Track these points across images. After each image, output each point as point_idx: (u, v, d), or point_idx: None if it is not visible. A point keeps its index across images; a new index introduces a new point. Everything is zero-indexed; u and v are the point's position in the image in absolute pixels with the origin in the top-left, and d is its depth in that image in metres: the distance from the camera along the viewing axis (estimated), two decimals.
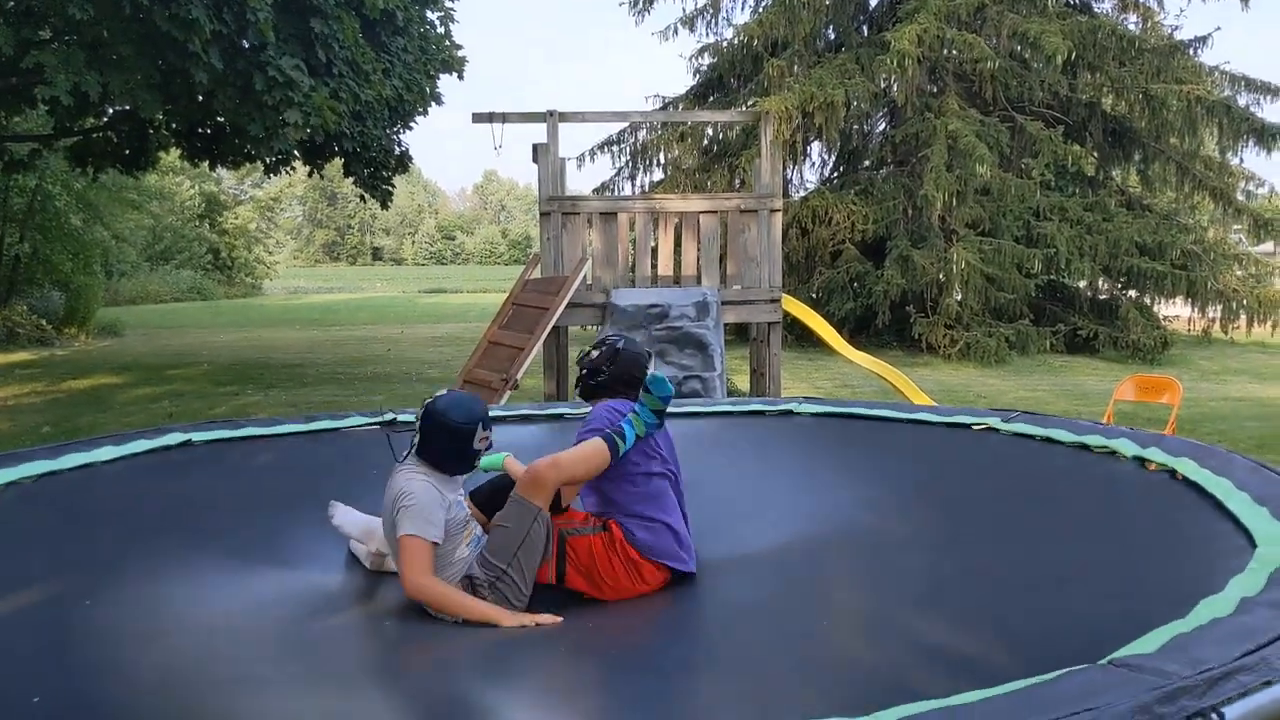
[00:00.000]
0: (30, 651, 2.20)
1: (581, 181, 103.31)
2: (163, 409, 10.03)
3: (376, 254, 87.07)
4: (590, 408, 3.34)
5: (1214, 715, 1.57)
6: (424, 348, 17.04)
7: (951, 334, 15.36)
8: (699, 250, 8.24)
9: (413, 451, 2.97)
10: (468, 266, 75.10)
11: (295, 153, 11.08)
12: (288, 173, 11.84)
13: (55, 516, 3.19)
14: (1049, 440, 3.92)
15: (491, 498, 3.21)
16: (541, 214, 8.12)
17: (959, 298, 15.61)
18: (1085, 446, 3.71)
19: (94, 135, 11.34)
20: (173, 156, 13.82)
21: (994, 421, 4.27)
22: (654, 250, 8.50)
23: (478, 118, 8.58)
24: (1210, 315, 17.01)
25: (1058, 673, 1.75)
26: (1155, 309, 17.36)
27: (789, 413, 5.00)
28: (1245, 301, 16.56)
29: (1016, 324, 15.69)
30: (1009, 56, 16.68)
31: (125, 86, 7.82)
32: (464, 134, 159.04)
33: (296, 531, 3.45)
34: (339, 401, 10.42)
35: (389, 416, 4.89)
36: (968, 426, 4.37)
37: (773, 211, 8.09)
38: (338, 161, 11.73)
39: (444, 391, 3.07)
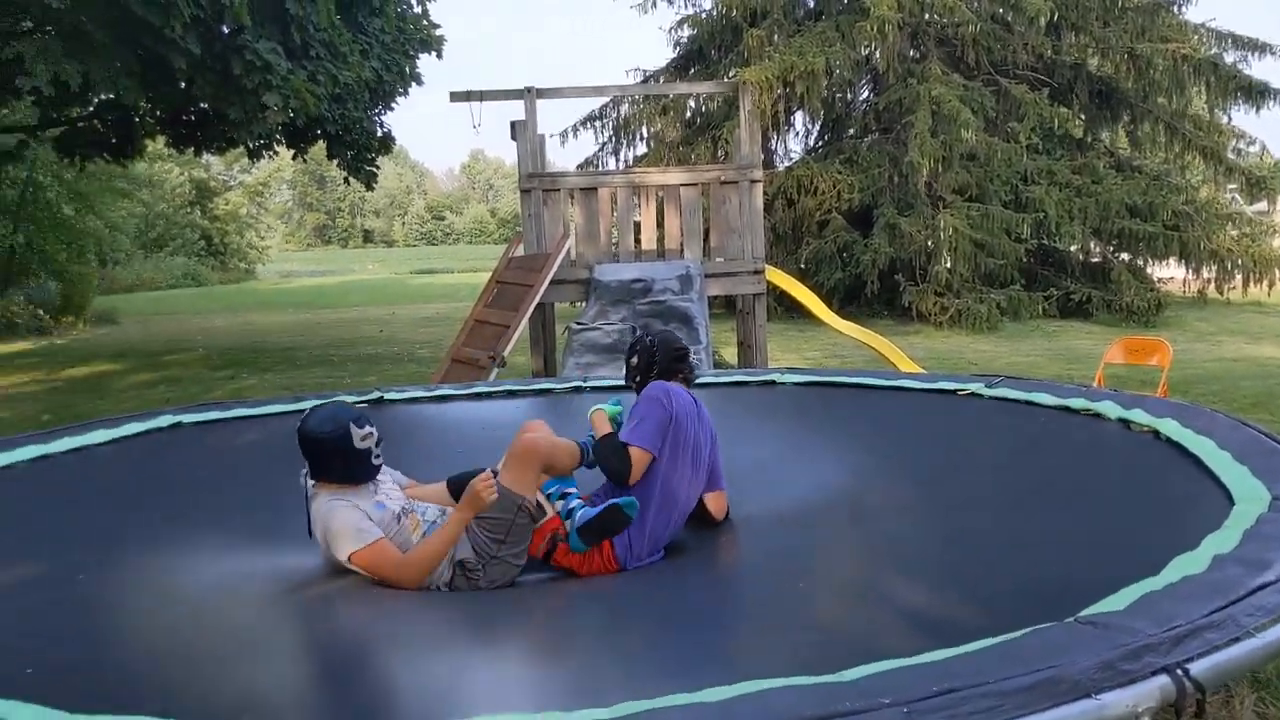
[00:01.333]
0: (23, 625, 2.32)
1: (565, 158, 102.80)
2: (160, 394, 10.13)
3: (367, 236, 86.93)
4: None
5: (1179, 671, 1.60)
6: (414, 328, 17.13)
7: (942, 301, 15.43)
8: (681, 223, 8.32)
9: (308, 479, 2.99)
10: (457, 246, 75.09)
11: (277, 136, 11.14)
12: (270, 156, 11.90)
13: (48, 498, 3.30)
14: (1032, 404, 3.99)
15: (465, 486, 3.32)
16: (522, 191, 8.19)
17: (948, 265, 15.66)
18: (1069, 409, 3.76)
19: (80, 125, 11.37)
20: (159, 144, 13.84)
21: (977, 387, 4.36)
22: (636, 225, 8.59)
23: (455, 97, 8.63)
24: (1205, 276, 17.00)
25: (1025, 630, 1.79)
26: (1149, 271, 17.40)
27: (771, 383, 5.10)
28: (1240, 261, 16.53)
29: (1008, 290, 15.72)
30: (990, 19, 16.68)
31: (105, 74, 7.86)
32: (448, 114, 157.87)
33: (283, 505, 3.56)
34: (332, 382, 10.54)
35: (376, 395, 5.01)
36: (951, 392, 4.46)
37: (753, 182, 8.17)
38: (321, 145, 11.78)
39: (307, 411, 3.04)
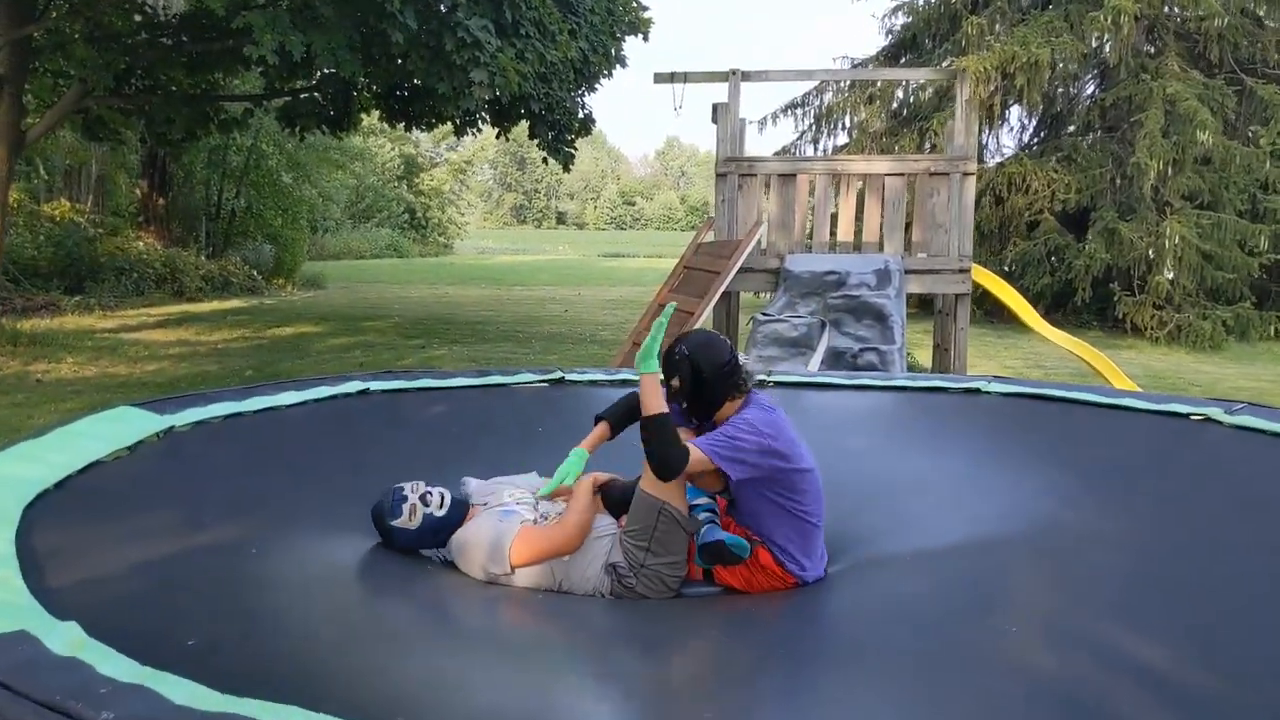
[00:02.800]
0: (191, 593, 2.27)
1: (762, 145, 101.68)
2: (354, 358, 10.53)
3: (560, 218, 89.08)
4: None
5: None
6: (599, 310, 17.24)
7: (1160, 315, 14.24)
8: (882, 215, 7.88)
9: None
10: (646, 232, 75.80)
11: (482, 114, 11.32)
12: (474, 134, 12.12)
13: (236, 460, 3.31)
14: None
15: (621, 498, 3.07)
16: (718, 175, 7.96)
17: (1170, 276, 14.39)
18: None
19: (301, 97, 11.94)
20: (373, 118, 14.42)
21: (1214, 412, 3.82)
22: (833, 216, 8.20)
23: (659, 78, 8.48)
24: None
25: None
26: None
27: (975, 391, 4.66)
28: None
29: (1236, 306, 14.37)
30: (1239, 13, 15.15)
31: (327, 47, 8.14)
32: (646, 98, 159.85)
33: (457, 482, 3.48)
34: (516, 358, 10.67)
35: (558, 374, 4.90)
36: (1183, 416, 3.94)
37: (965, 175, 7.64)
38: (524, 125, 11.94)
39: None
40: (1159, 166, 14.08)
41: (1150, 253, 14.41)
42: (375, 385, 4.35)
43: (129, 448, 3.05)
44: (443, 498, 2.89)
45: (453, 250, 42.41)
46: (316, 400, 4.04)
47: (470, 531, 2.85)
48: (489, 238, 58.26)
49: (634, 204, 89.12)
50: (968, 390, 4.70)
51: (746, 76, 8.24)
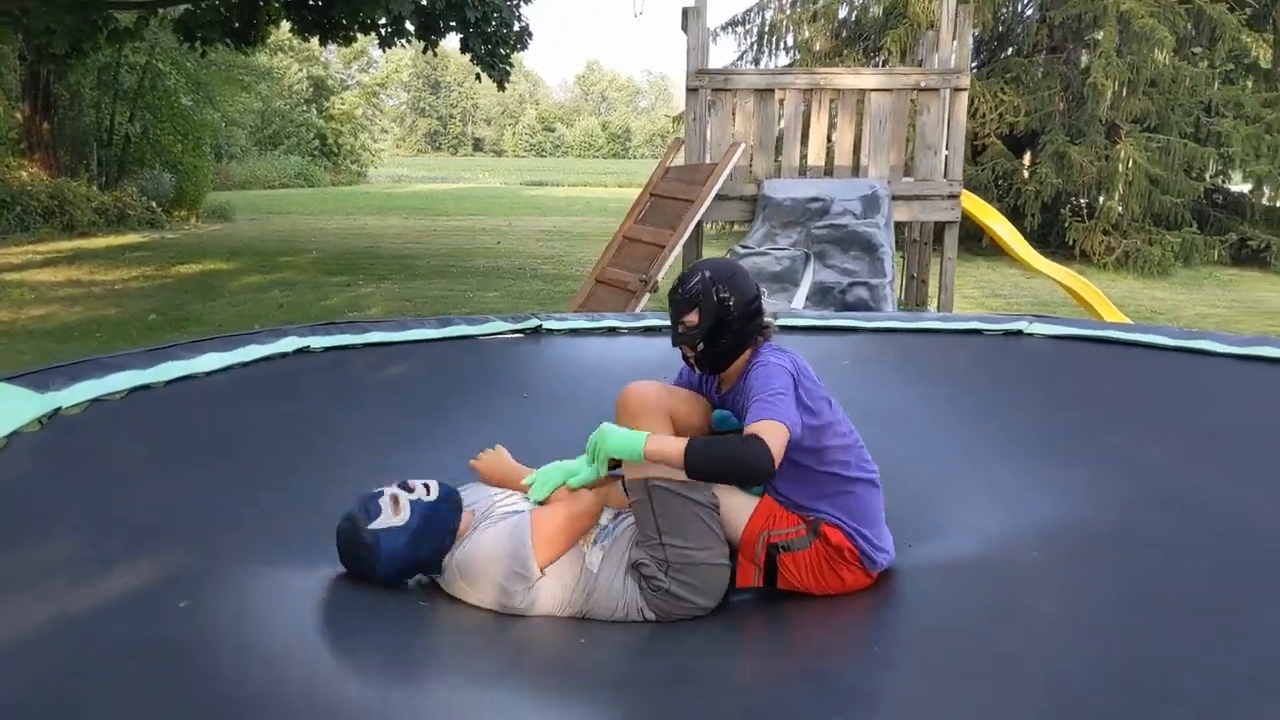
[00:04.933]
0: (90, 679, 1.49)
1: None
2: (273, 299, 9.54)
3: (477, 144, 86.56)
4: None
5: None
6: (533, 240, 16.33)
7: (1109, 240, 13.94)
8: (866, 135, 7.16)
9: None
10: (567, 159, 74.09)
11: (409, 25, 10.25)
12: (404, 45, 11.01)
13: (142, 449, 2.51)
14: None
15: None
16: (688, 90, 7.14)
17: (1120, 201, 14.09)
18: None
19: (202, 4, 10.68)
20: (282, 32, 13.13)
21: None
22: (803, 135, 7.47)
23: None
24: None
25: None
26: None
27: (1018, 333, 4.04)
28: None
29: (1182, 231, 14.15)
30: None
31: None
32: (568, 18, 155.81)
33: (419, 471, 2.71)
34: (455, 297, 9.79)
35: (534, 323, 4.14)
36: (1271, 361, 3.39)
37: (957, 90, 6.96)
38: (446, 46, 10.89)
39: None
40: (1115, 87, 13.65)
41: (1100, 177, 14.07)
42: (316, 341, 3.53)
43: None
44: (427, 486, 2.18)
45: (366, 179, 40.51)
46: (245, 364, 3.22)
47: (475, 545, 2.14)
48: (404, 165, 56.00)
49: (554, 130, 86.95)
50: (1009, 333, 4.08)
51: None
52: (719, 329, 2.25)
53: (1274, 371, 3.34)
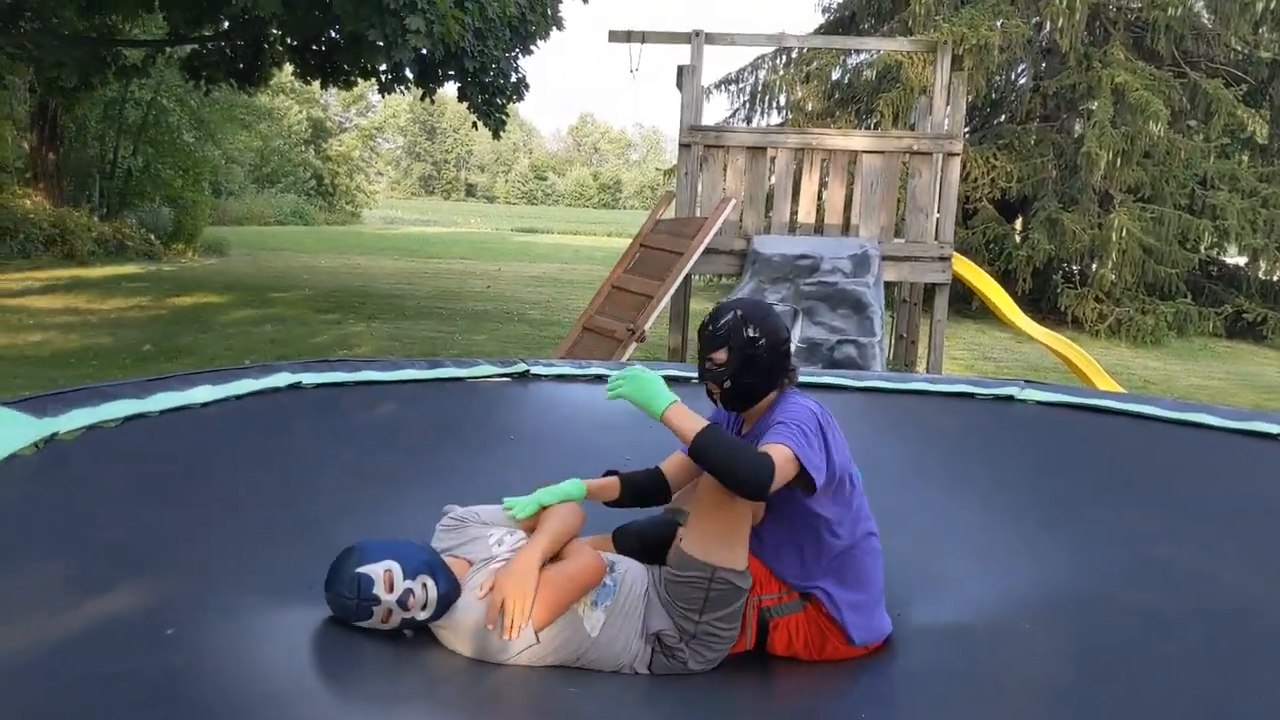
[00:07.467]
0: (79, 708, 1.52)
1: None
2: (264, 333, 9.58)
3: (470, 190, 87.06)
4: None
5: None
6: (521, 286, 16.43)
7: (1101, 308, 14.08)
8: (857, 195, 7.28)
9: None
10: (558, 208, 74.59)
11: (409, 73, 10.42)
12: (403, 91, 11.18)
13: (137, 476, 2.54)
14: None
15: (652, 544, 2.37)
16: (681, 145, 7.28)
17: (1113, 269, 14.25)
18: None
19: (208, 46, 10.85)
20: (285, 74, 13.33)
21: None
22: (794, 193, 7.60)
23: (614, 36, 7.76)
24: None
25: None
26: None
27: (1009, 398, 4.06)
28: None
29: (1176, 301, 14.30)
30: (1187, 7, 15.08)
31: None
32: (562, 71, 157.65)
33: (405, 510, 2.74)
34: (443, 338, 9.86)
35: (522, 367, 4.19)
36: (1272, 437, 3.40)
37: (950, 155, 7.11)
38: (451, 87, 11.06)
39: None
40: (1109, 157, 13.89)
41: (1094, 245, 14.25)
42: (308, 378, 3.58)
43: None
44: (426, 590, 2.07)
45: (360, 220, 40.70)
46: (238, 397, 3.26)
47: (470, 607, 2.12)
48: (397, 208, 56.26)
49: (546, 179, 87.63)
50: (1000, 398, 4.10)
51: (710, 39, 7.57)
52: (746, 368, 2.25)
53: (1272, 447, 3.37)
